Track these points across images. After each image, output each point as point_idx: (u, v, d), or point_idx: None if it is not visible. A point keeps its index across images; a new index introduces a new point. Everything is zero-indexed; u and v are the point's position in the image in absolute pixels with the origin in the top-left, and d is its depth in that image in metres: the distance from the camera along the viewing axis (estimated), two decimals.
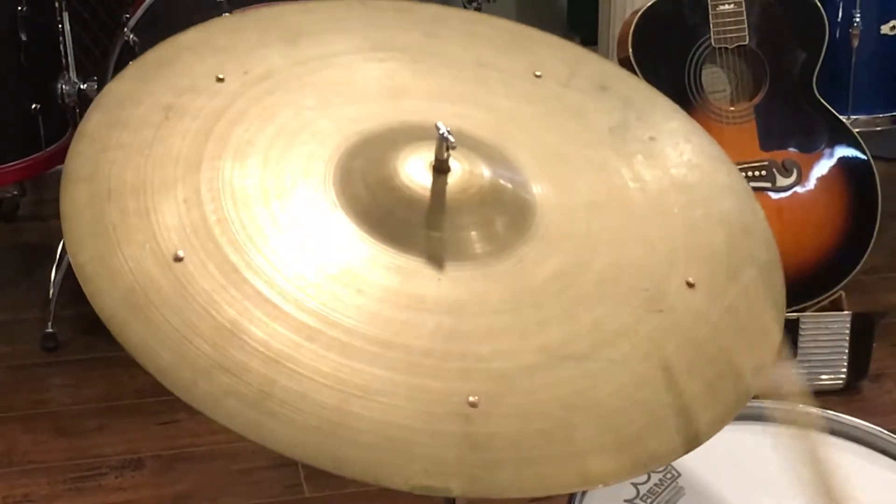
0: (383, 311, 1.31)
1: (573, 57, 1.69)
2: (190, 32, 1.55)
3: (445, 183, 1.40)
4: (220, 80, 1.49)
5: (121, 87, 1.48)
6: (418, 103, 1.54)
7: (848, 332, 2.93)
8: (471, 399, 1.25)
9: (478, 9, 3.42)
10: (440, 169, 1.40)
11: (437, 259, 1.36)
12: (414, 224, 1.39)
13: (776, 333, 1.44)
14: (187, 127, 1.43)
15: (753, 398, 1.41)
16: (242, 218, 1.35)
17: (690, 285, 1.43)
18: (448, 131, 1.36)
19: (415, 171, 1.41)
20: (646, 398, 1.32)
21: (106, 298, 1.26)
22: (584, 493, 1.59)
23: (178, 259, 1.29)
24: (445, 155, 1.39)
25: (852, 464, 1.67)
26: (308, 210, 1.38)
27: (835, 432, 1.71)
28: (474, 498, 1.22)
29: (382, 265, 1.35)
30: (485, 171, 1.44)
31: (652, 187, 1.53)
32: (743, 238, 1.52)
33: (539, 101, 1.61)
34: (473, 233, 1.40)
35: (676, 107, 1.67)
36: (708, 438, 1.33)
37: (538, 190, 1.48)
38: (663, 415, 1.32)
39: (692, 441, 1.32)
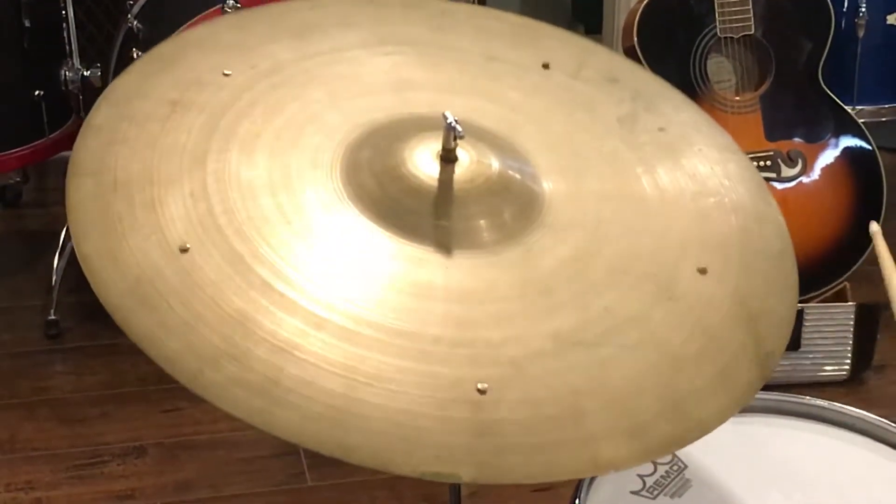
0: (391, 298, 1.31)
1: (582, 50, 1.69)
2: (197, 29, 1.56)
3: (453, 172, 1.41)
4: (226, 74, 1.49)
5: (127, 81, 1.48)
6: (426, 96, 1.55)
7: (852, 322, 2.93)
8: (480, 386, 1.25)
9: None
10: (447, 158, 1.41)
11: (445, 247, 1.36)
12: (421, 213, 1.39)
13: (788, 321, 1.44)
14: (193, 120, 1.43)
15: (763, 389, 1.41)
16: (249, 209, 1.35)
17: (702, 272, 1.43)
18: (456, 121, 1.36)
19: (422, 160, 1.41)
20: (657, 384, 1.32)
21: (111, 289, 1.26)
22: (590, 484, 1.59)
23: (184, 250, 1.29)
24: (453, 144, 1.39)
25: (856, 455, 1.67)
26: (315, 200, 1.38)
27: (839, 423, 1.71)
28: (483, 484, 1.22)
29: (390, 253, 1.35)
30: (493, 162, 1.44)
31: (662, 177, 1.53)
32: (755, 226, 1.52)
33: (548, 92, 1.61)
34: (482, 221, 1.40)
35: (686, 98, 1.68)
36: (719, 424, 1.33)
37: (547, 180, 1.48)
38: (674, 401, 1.32)
39: (703, 427, 1.32)
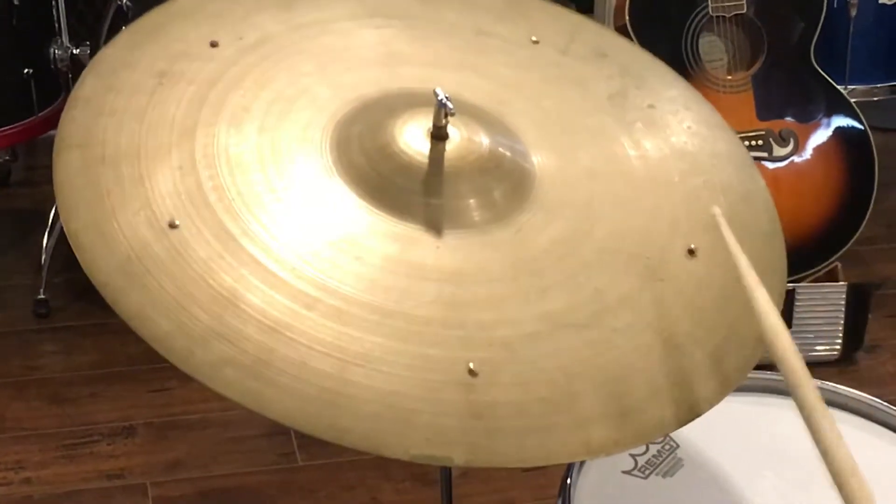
0: (383, 278, 1.30)
1: (571, 24, 1.68)
2: None
3: (444, 150, 1.39)
4: (214, 45, 1.47)
5: (114, 52, 1.47)
6: (416, 70, 1.53)
7: (844, 302, 2.93)
8: (472, 367, 1.25)
9: None
10: (438, 136, 1.40)
11: (435, 226, 1.35)
12: (412, 191, 1.38)
13: (778, 300, 1.44)
14: (182, 93, 1.42)
15: (755, 368, 1.41)
16: (238, 184, 1.34)
17: (692, 253, 1.42)
18: (447, 97, 1.35)
19: (413, 137, 1.40)
20: (648, 367, 1.32)
21: (101, 266, 1.25)
22: (581, 463, 1.58)
23: (173, 226, 1.28)
24: (444, 121, 1.38)
25: (848, 434, 1.66)
26: (305, 177, 1.37)
27: (831, 403, 1.71)
28: (474, 467, 1.21)
29: (381, 232, 1.34)
30: (483, 139, 1.43)
31: (652, 155, 1.52)
32: (744, 206, 1.51)
33: (537, 68, 1.60)
34: (472, 200, 1.39)
35: (676, 74, 1.67)
36: (711, 407, 1.33)
37: (538, 158, 1.47)
38: (666, 383, 1.31)
39: (695, 410, 1.32)
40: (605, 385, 1.29)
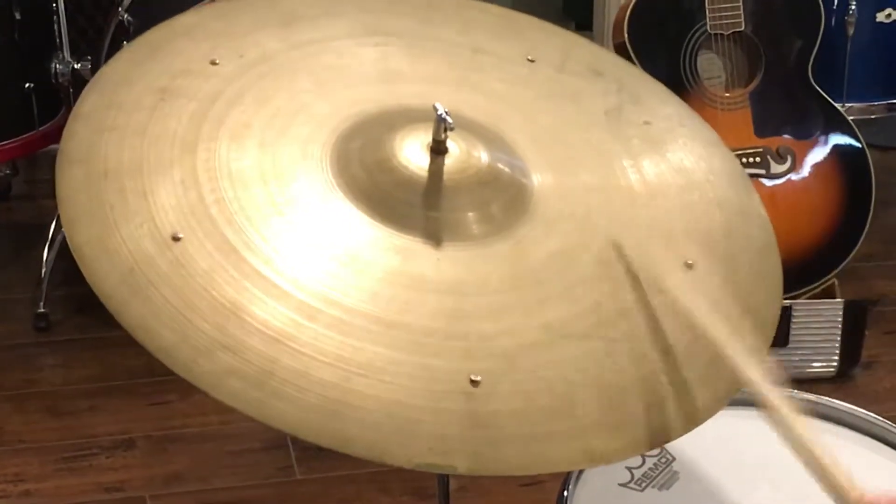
0: (384, 290, 1.31)
1: (566, 43, 1.69)
2: (184, 17, 1.56)
3: (443, 164, 1.41)
4: (214, 63, 1.49)
5: (115, 69, 1.48)
6: (414, 87, 1.55)
7: (840, 319, 2.93)
8: (473, 378, 1.26)
9: None
10: (437, 150, 1.41)
11: (435, 239, 1.37)
12: (412, 204, 1.39)
13: (773, 314, 1.45)
14: (183, 109, 1.43)
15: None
16: (240, 198, 1.35)
17: (689, 266, 1.43)
18: (446, 112, 1.37)
19: (412, 152, 1.41)
20: (647, 377, 1.33)
21: (104, 279, 1.26)
22: (578, 477, 1.59)
23: (176, 239, 1.29)
24: (443, 136, 1.39)
25: (846, 449, 1.67)
26: (306, 191, 1.38)
27: (828, 418, 1.72)
28: (472, 478, 1.22)
29: (381, 245, 1.35)
30: (483, 155, 1.44)
31: (648, 170, 1.54)
32: (739, 220, 1.53)
33: (534, 85, 1.62)
34: (471, 213, 1.41)
35: (670, 92, 1.69)
36: (710, 416, 1.35)
37: (535, 171, 1.48)
38: (664, 394, 1.33)
39: (693, 420, 1.33)
40: (605, 394, 1.31)
